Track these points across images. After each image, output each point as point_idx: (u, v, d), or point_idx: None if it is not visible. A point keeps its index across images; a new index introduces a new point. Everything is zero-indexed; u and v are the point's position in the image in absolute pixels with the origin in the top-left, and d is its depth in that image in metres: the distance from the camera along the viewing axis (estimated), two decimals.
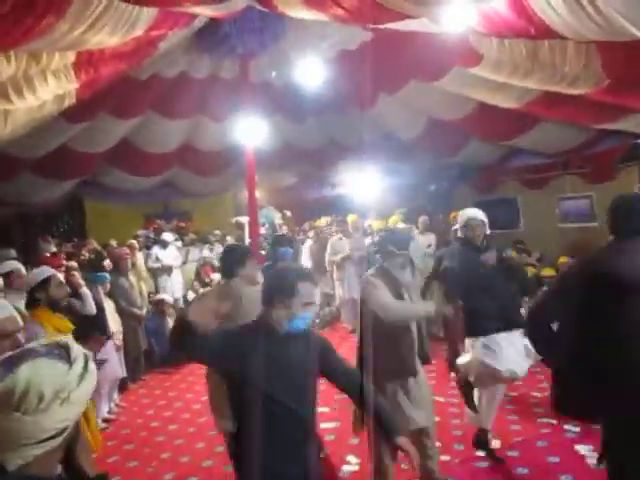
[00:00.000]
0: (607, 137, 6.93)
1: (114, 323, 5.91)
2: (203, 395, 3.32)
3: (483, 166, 8.96)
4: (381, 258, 3.74)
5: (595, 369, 2.34)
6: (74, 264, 6.10)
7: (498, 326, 3.90)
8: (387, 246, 3.58)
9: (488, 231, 4.12)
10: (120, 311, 6.21)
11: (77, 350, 1.22)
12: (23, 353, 1.17)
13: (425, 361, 3.45)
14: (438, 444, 4.28)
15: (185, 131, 8.28)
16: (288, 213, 11.12)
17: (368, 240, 8.50)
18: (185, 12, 4.55)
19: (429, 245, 8.21)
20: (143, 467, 4.37)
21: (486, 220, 4.11)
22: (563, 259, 7.83)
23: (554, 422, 4.64)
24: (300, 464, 2.14)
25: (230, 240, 9.65)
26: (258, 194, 7.33)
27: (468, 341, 4.08)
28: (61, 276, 4.07)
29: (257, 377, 2.07)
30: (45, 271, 3.85)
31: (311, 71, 6.19)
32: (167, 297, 7.97)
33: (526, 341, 3.68)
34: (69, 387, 1.15)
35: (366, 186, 8.36)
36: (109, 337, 5.55)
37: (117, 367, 5.80)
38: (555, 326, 2.66)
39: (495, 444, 4.27)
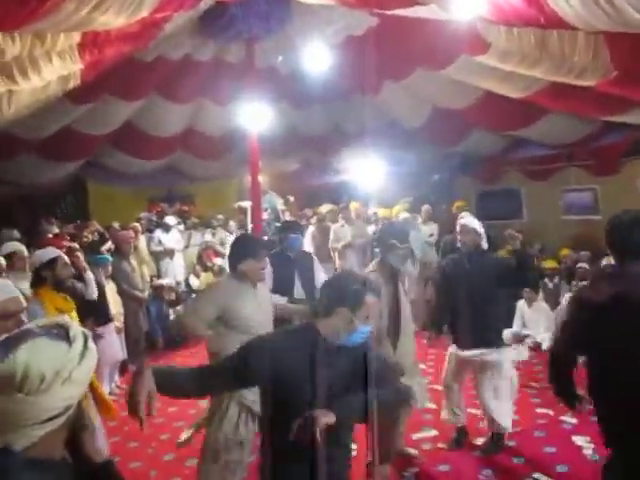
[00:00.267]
0: (613, 130, 6.90)
1: (115, 305, 5.94)
2: None
3: (487, 156, 8.93)
4: (381, 251, 3.76)
5: None
6: (76, 246, 6.11)
7: (471, 343, 3.96)
8: (388, 239, 3.58)
9: (485, 245, 4.07)
10: (121, 293, 6.23)
11: (76, 329, 1.21)
12: (21, 334, 1.16)
13: None
14: (435, 432, 4.35)
15: (189, 115, 8.25)
16: (291, 199, 11.10)
17: (372, 228, 8.50)
18: None
19: (431, 235, 8.21)
20: (143, 448, 4.41)
21: (481, 231, 4.05)
22: (565, 251, 7.84)
23: (551, 413, 4.67)
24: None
25: (233, 225, 9.66)
26: (261, 179, 7.32)
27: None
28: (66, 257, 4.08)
29: (302, 391, 1.89)
30: (52, 251, 3.87)
31: (317, 57, 6.14)
32: (167, 282, 7.99)
33: None
34: (70, 366, 1.14)
35: (369, 174, 8.34)
36: (110, 320, 5.58)
37: (118, 349, 5.83)
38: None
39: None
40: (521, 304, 7.04)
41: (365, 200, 9.29)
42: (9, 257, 4.98)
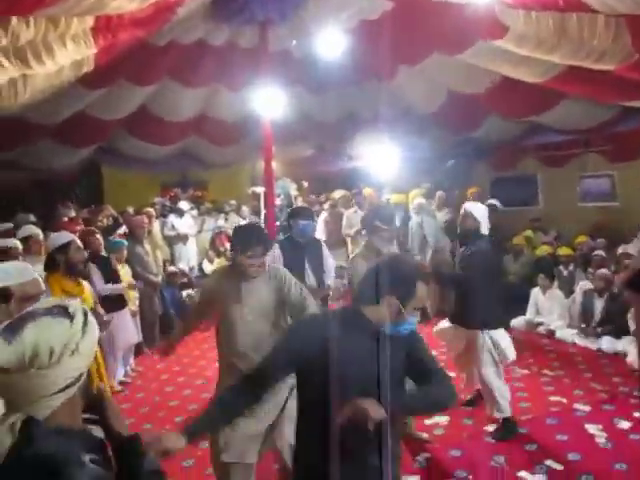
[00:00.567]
0: (631, 116, 6.75)
1: (130, 289, 6.00)
2: (216, 362, 3.35)
3: (502, 142, 8.81)
4: (367, 234, 3.83)
5: None
6: (94, 229, 6.17)
7: (450, 319, 4.29)
8: (373, 222, 3.68)
9: (484, 231, 4.13)
10: (136, 277, 6.29)
11: (75, 306, 1.31)
12: (26, 315, 1.25)
13: None
14: (447, 418, 4.35)
15: (203, 100, 8.23)
16: (305, 184, 11.08)
17: None
18: None
19: (445, 221, 8.16)
20: (157, 430, 4.48)
21: (478, 216, 4.11)
22: (581, 238, 7.75)
23: (565, 401, 4.65)
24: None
25: (246, 210, 9.68)
26: (275, 165, 7.31)
27: None
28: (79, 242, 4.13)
29: (346, 378, 1.78)
30: (65, 236, 3.91)
31: (331, 41, 6.07)
32: (180, 267, 8.06)
33: None
34: (75, 339, 1.24)
35: (383, 160, 8.29)
36: (124, 305, 5.64)
37: (133, 332, 5.90)
38: None
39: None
40: (535, 291, 6.99)
41: (379, 186, 9.25)
42: (25, 241, 5.05)
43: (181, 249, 8.63)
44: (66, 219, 7.04)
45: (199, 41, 7.01)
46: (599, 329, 6.10)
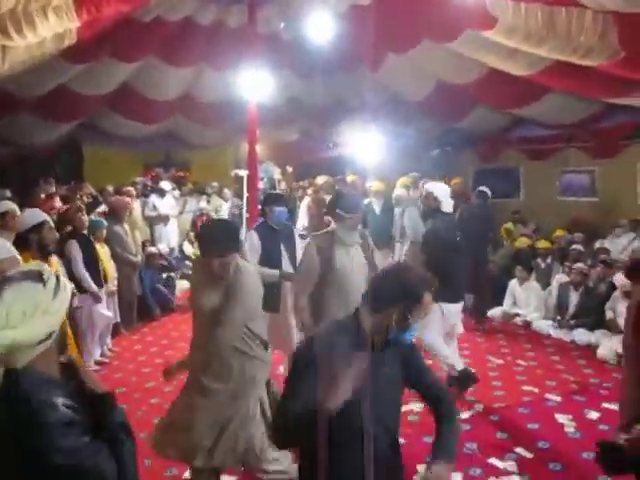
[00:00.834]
0: (614, 112, 6.84)
1: (109, 269, 5.93)
2: None
3: (487, 134, 8.86)
4: (333, 220, 3.84)
5: None
6: (80, 205, 6.08)
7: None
8: (335, 209, 3.65)
9: (446, 209, 4.55)
10: (115, 257, 6.22)
11: (48, 271, 1.47)
12: (4, 280, 1.41)
13: None
14: (421, 405, 4.40)
15: (188, 79, 8.11)
16: (290, 169, 11.02)
17: (366, 201, 8.45)
18: None
19: None
20: (133, 411, 4.45)
21: (439, 195, 4.54)
22: (560, 232, 7.85)
23: (536, 391, 4.74)
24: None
25: (228, 192, 9.60)
26: (259, 148, 7.25)
27: None
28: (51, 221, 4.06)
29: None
30: (38, 215, 3.84)
31: (320, 25, 6.01)
32: (160, 248, 7.97)
33: None
34: (46, 300, 1.40)
35: (369, 147, 8.27)
36: (102, 284, 5.58)
37: (110, 311, 5.85)
38: None
39: (477, 408, 4.39)
40: (512, 283, 7.09)
41: (364, 174, 9.24)
42: (2, 216, 4.94)
43: (162, 230, 8.54)
44: (43, 196, 6.89)
45: (186, 19, 6.89)
46: (573, 321, 6.22)
